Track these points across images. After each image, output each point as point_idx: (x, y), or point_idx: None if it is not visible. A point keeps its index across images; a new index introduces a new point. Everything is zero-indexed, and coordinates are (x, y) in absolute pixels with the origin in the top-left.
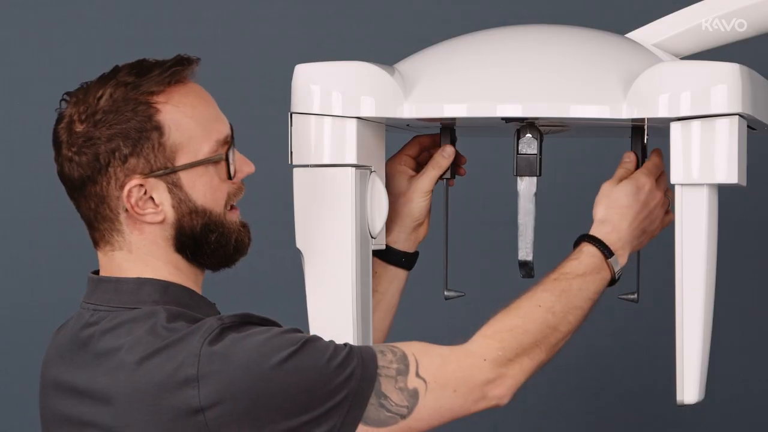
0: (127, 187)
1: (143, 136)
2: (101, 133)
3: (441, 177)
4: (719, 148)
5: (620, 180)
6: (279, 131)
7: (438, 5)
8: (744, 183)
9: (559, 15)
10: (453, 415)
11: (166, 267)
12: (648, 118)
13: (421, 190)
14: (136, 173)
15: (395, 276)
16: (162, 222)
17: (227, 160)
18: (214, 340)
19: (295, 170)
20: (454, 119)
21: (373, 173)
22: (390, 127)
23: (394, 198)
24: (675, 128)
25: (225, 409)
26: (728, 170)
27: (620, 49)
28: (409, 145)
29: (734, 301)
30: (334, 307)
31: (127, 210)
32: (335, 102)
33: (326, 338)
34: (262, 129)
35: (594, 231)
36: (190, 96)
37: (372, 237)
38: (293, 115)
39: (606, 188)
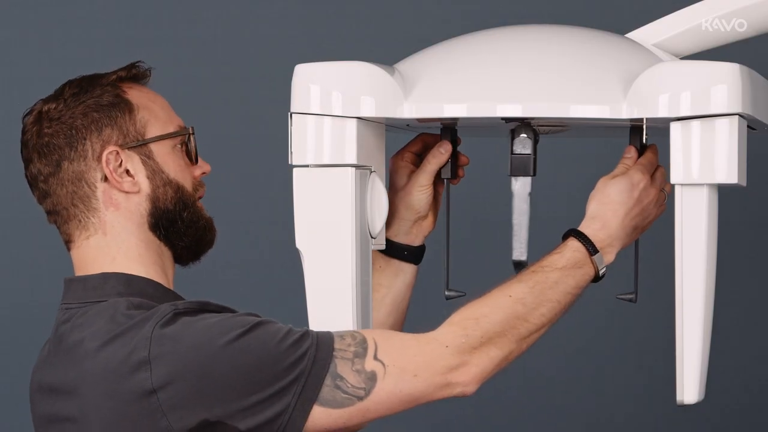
0: (105, 153)
1: (115, 108)
2: (75, 110)
3: (441, 175)
4: (719, 148)
5: (617, 176)
6: (279, 131)
7: (438, 5)
8: (744, 183)
9: (559, 15)
10: (414, 401)
11: (138, 248)
12: (648, 118)
13: (419, 183)
14: (111, 144)
15: (399, 269)
16: (138, 193)
17: (191, 141)
18: (166, 324)
19: (295, 170)
20: (454, 119)
21: (373, 173)
22: (390, 127)
23: (394, 192)
24: (675, 128)
25: (176, 390)
26: (728, 170)
27: (620, 49)
28: (413, 141)
29: (734, 301)
30: (334, 307)
31: (105, 179)
32: (335, 102)
33: None
34: (262, 129)
35: (583, 226)
36: (149, 89)
37: (372, 237)
38: (293, 115)
39: (601, 183)
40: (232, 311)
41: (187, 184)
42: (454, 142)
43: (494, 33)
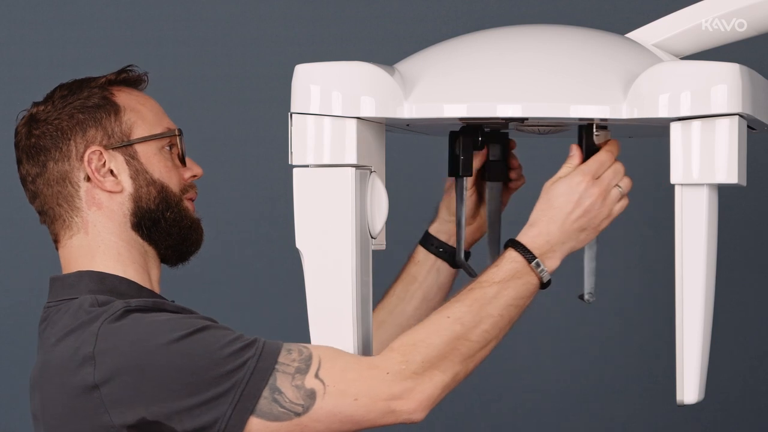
0: (87, 153)
1: (101, 110)
2: (62, 112)
3: (483, 177)
4: (719, 148)
5: (558, 179)
6: (279, 131)
7: (438, 5)
8: (744, 183)
9: (559, 15)
10: (356, 424)
11: (117, 246)
12: (647, 118)
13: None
14: (95, 144)
15: (434, 267)
16: (121, 192)
17: (179, 144)
18: (115, 320)
19: (295, 170)
20: (457, 119)
21: (373, 173)
22: (390, 127)
23: (444, 195)
24: (675, 128)
25: (116, 385)
26: (728, 170)
27: (620, 49)
28: None
29: (734, 301)
30: (334, 308)
31: (88, 179)
32: (335, 102)
33: (326, 339)
34: (262, 129)
35: (521, 234)
36: (140, 92)
37: (372, 237)
38: (293, 115)
39: (544, 188)
40: (190, 312)
41: (173, 185)
42: (505, 146)
43: (494, 33)
